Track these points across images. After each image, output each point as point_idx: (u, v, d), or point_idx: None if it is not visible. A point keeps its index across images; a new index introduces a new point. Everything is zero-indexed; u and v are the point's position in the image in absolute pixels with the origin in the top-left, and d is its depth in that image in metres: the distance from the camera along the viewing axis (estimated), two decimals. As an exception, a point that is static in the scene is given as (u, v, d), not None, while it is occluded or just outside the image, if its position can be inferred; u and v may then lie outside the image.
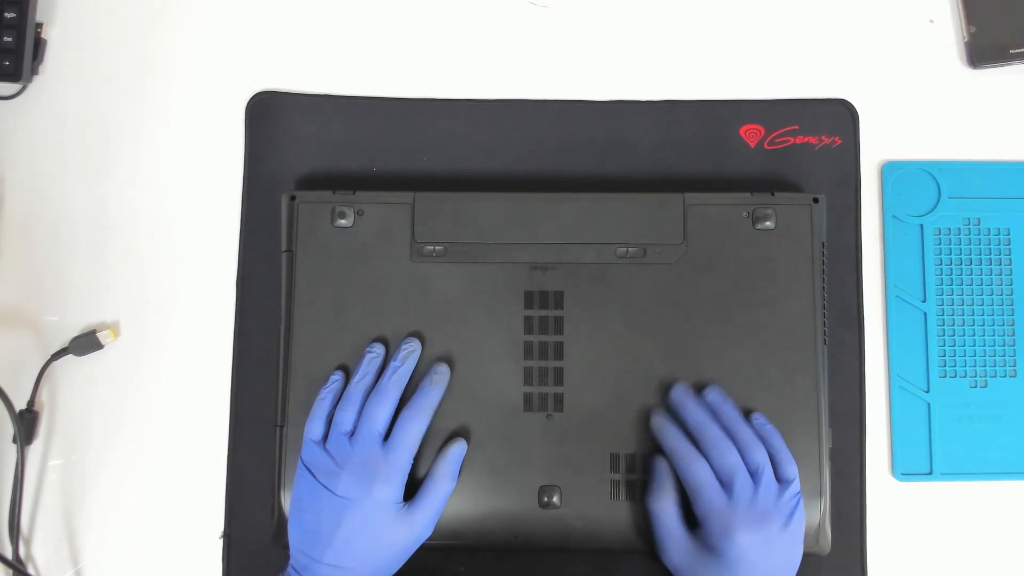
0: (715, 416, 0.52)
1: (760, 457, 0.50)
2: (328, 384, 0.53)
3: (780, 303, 0.54)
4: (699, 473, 0.50)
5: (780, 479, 0.50)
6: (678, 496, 0.51)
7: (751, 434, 0.51)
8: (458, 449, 0.52)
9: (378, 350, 0.54)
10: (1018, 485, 0.58)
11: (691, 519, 0.51)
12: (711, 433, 0.51)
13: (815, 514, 0.53)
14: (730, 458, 0.50)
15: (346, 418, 0.51)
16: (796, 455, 0.52)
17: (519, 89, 0.62)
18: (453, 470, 0.52)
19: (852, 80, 0.62)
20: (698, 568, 0.49)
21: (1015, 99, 0.62)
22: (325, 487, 0.49)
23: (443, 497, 0.51)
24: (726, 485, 0.49)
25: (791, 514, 0.49)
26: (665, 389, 0.53)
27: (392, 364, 0.53)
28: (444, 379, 0.53)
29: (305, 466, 0.51)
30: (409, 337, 0.54)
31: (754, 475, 0.49)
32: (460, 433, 0.53)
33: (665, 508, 0.50)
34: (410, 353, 0.53)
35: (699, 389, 0.53)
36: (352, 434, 0.51)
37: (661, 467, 0.51)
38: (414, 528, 0.50)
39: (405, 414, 0.51)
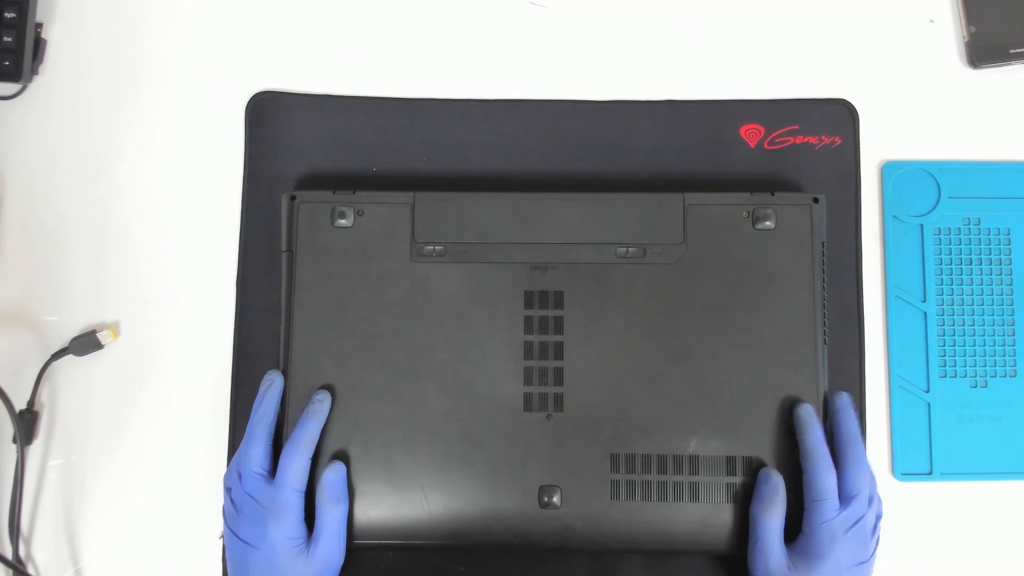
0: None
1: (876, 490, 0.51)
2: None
3: (780, 303, 0.54)
4: (829, 483, 0.50)
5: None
6: (785, 510, 0.51)
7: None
8: (333, 472, 0.51)
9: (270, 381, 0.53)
10: (1018, 485, 0.58)
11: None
12: (860, 450, 0.51)
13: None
14: (864, 478, 0.50)
15: (232, 465, 0.52)
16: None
17: (519, 89, 0.62)
18: (336, 493, 0.51)
19: (852, 80, 0.62)
20: None
21: (1015, 99, 0.62)
22: (232, 532, 0.50)
23: (338, 522, 0.51)
24: (845, 500, 0.50)
25: (876, 548, 0.50)
26: (826, 395, 0.53)
27: (254, 404, 0.52)
28: (323, 408, 0.52)
29: (223, 512, 0.51)
30: (270, 371, 0.54)
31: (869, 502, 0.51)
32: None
33: (773, 522, 0.50)
34: (268, 388, 0.53)
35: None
36: (241, 478, 0.51)
37: (776, 480, 0.51)
38: (318, 561, 0.49)
39: (284, 450, 0.51)
